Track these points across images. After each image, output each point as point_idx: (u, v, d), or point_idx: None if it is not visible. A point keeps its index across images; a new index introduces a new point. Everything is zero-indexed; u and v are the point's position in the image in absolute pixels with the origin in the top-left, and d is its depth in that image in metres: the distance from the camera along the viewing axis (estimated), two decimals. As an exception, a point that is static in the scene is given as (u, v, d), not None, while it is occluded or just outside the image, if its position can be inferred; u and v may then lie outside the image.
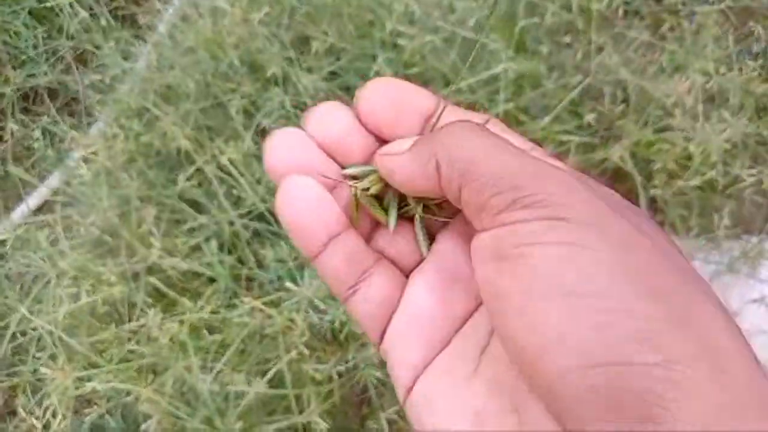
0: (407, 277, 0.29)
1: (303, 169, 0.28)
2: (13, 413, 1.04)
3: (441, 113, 0.28)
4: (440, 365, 0.26)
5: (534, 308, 0.21)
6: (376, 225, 0.30)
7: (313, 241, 0.28)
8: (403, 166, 0.26)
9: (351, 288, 0.28)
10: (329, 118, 0.29)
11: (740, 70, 0.79)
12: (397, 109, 0.28)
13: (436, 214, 0.29)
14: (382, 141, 0.29)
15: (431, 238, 0.29)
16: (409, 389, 0.27)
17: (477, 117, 0.28)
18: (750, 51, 0.86)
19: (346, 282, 0.28)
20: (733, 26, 0.86)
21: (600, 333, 0.20)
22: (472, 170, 0.24)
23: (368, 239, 0.29)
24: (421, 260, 0.29)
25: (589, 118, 0.77)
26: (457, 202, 0.25)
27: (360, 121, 0.29)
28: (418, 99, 0.29)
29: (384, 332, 0.28)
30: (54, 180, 1.12)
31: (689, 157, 0.76)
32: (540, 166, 0.23)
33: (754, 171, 0.76)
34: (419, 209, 0.29)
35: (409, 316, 0.28)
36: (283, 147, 0.28)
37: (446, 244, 0.29)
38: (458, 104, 0.30)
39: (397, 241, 0.29)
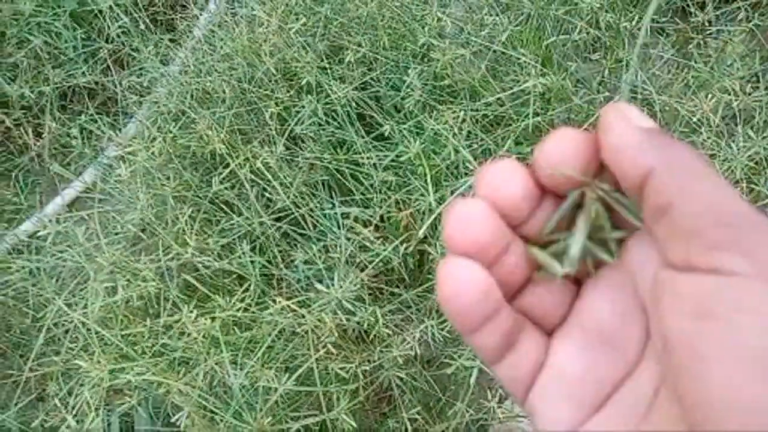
0: (550, 334, 0.29)
1: (478, 242, 0.27)
2: (43, 400, 1.08)
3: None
4: (598, 424, 0.26)
5: (738, 382, 0.20)
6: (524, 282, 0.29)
7: (468, 322, 0.27)
8: (631, 142, 0.24)
9: (499, 357, 0.28)
10: (504, 179, 0.28)
11: (766, 89, 0.80)
12: (577, 164, 0.27)
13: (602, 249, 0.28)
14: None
15: (576, 290, 0.29)
16: None
17: None
18: (775, 70, 0.87)
19: (496, 353, 0.28)
20: (760, 44, 0.87)
21: None
22: (696, 188, 0.22)
23: (516, 296, 0.29)
24: (564, 319, 0.29)
25: (615, 132, 0.78)
26: (654, 210, 0.23)
27: (535, 179, 0.28)
28: (590, 146, 0.27)
29: (527, 392, 0.28)
30: (89, 175, 1.16)
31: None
32: (758, 214, 0.22)
33: (776, 189, 0.77)
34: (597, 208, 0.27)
35: (558, 378, 0.27)
36: (461, 217, 0.27)
37: (594, 299, 0.28)
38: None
39: (544, 298, 0.29)
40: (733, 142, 0.74)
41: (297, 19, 0.90)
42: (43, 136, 1.19)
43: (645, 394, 0.25)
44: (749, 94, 0.75)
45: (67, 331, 0.93)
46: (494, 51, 0.83)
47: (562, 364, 0.27)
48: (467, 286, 0.27)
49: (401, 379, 0.75)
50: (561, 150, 0.27)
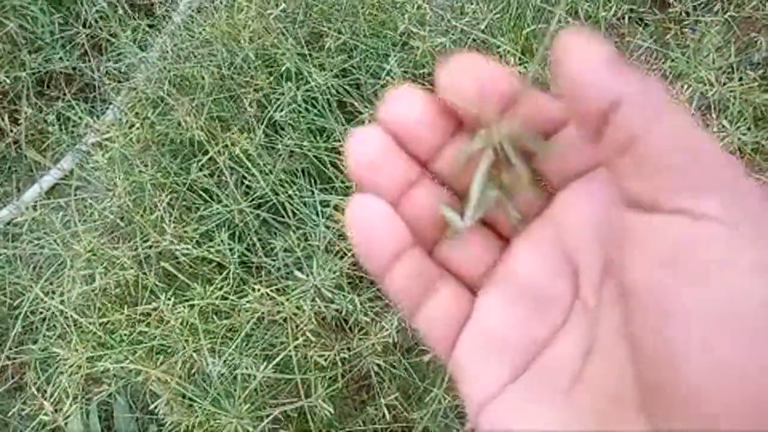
0: (473, 291, 0.27)
1: (380, 173, 0.26)
2: (20, 389, 1.07)
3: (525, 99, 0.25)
4: (522, 388, 0.25)
5: (712, 342, 0.18)
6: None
7: (377, 263, 0.27)
8: (595, 71, 0.21)
9: (416, 305, 0.27)
10: (404, 105, 0.26)
11: (740, 79, 0.81)
12: (479, 90, 0.25)
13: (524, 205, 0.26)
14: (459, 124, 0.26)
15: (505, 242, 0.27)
16: (482, 406, 0.25)
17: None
18: (751, 61, 0.88)
19: (411, 300, 0.27)
20: (735, 36, 0.88)
21: None
22: (667, 122, 0.20)
23: (431, 250, 0.28)
24: (490, 270, 0.27)
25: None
26: (617, 144, 0.21)
27: (438, 102, 0.26)
28: (497, 76, 0.25)
29: (452, 348, 0.27)
30: (67, 162, 1.15)
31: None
32: (731, 156, 0.20)
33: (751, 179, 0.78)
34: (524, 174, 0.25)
35: (483, 335, 0.26)
36: (361, 149, 0.26)
37: (524, 254, 0.26)
38: None
39: (465, 252, 0.27)
40: (708, 131, 0.75)
41: (277, 5, 0.90)
42: (20, 122, 1.18)
43: (571, 359, 0.24)
44: (724, 85, 0.76)
45: (44, 319, 0.92)
46: (474, 39, 0.83)
47: (487, 319, 0.26)
48: (370, 219, 0.26)
49: (380, 366, 0.75)
50: (466, 76, 0.25)
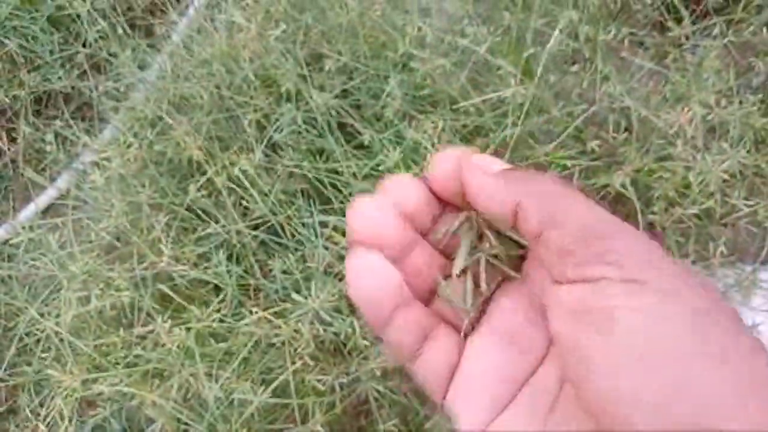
0: (465, 336, 0.30)
1: (382, 236, 0.29)
2: (14, 412, 1.05)
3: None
4: (507, 420, 0.28)
5: (617, 370, 0.22)
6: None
7: (378, 316, 0.29)
8: (488, 187, 0.27)
9: (414, 354, 0.30)
10: (404, 188, 0.30)
11: (740, 103, 0.82)
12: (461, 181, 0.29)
13: (501, 267, 0.30)
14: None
15: (488, 299, 0.31)
16: None
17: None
18: (750, 85, 0.88)
19: (409, 349, 0.30)
20: (734, 60, 0.89)
21: (678, 395, 0.21)
22: (561, 213, 0.25)
23: (428, 302, 0.31)
24: (477, 321, 0.30)
25: (593, 144, 0.79)
26: (530, 236, 0.26)
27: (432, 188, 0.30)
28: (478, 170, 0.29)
29: (446, 392, 0.30)
30: (63, 182, 1.14)
31: (688, 186, 0.78)
32: (624, 224, 0.25)
33: (750, 202, 0.78)
34: (484, 256, 0.30)
35: (472, 377, 0.29)
36: (365, 213, 0.29)
37: (504, 306, 0.30)
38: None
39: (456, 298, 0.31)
40: (709, 155, 0.75)
41: (277, 25, 0.90)
42: (18, 141, 1.17)
43: (549, 391, 0.27)
44: (724, 108, 0.76)
45: (38, 341, 0.91)
46: (474, 62, 0.84)
47: (472, 363, 0.29)
48: (374, 273, 0.28)
49: (379, 391, 0.74)
50: (448, 169, 0.29)
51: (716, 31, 0.83)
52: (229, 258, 0.86)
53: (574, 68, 0.82)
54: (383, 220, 0.29)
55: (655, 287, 0.23)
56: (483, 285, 0.30)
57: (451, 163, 0.29)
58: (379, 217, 0.29)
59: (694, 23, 0.85)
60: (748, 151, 0.80)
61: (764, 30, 0.84)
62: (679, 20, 0.85)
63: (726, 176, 0.77)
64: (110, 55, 1.10)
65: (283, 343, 0.72)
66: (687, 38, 0.84)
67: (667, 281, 0.23)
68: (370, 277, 0.29)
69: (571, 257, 0.24)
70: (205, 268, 0.84)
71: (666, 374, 0.21)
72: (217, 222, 0.87)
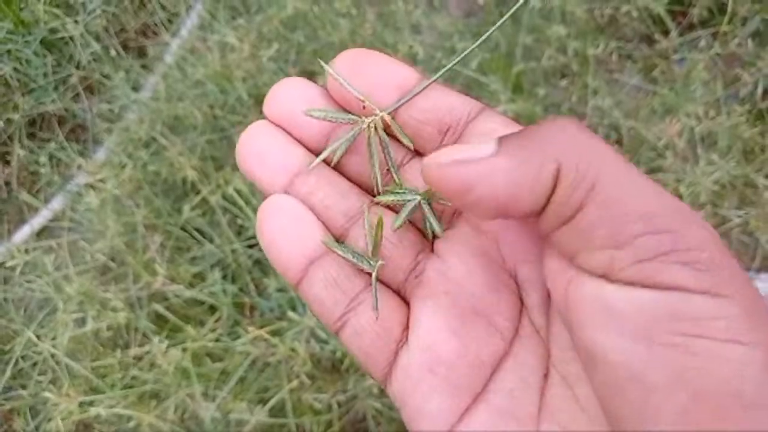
0: (406, 299, 0.25)
1: (269, 163, 0.25)
2: (10, 436, 1.04)
3: (423, 88, 0.25)
4: (484, 418, 0.22)
5: (702, 418, 0.17)
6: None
7: (291, 267, 0.24)
8: (497, 173, 0.20)
9: (339, 319, 0.24)
10: (292, 96, 0.26)
11: (728, 114, 0.82)
12: (370, 82, 0.26)
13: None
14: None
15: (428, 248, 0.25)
16: None
17: (469, 100, 0.25)
18: (737, 96, 0.89)
19: (333, 312, 0.24)
20: (721, 72, 0.90)
21: None
22: (608, 193, 0.19)
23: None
24: (422, 275, 0.24)
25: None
26: (560, 221, 0.20)
27: (330, 94, 0.26)
28: (393, 71, 0.26)
29: (389, 371, 0.24)
30: (58, 203, 1.14)
31: (679, 198, 0.79)
32: (684, 207, 0.19)
33: (741, 212, 0.79)
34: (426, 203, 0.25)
35: (425, 357, 0.23)
36: (251, 144, 0.26)
37: (457, 265, 0.24)
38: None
39: (394, 247, 0.25)
40: (698, 166, 0.75)
41: (270, 45, 0.90)
42: (11, 164, 1.17)
43: (532, 378, 0.22)
44: (712, 119, 0.77)
45: (35, 364, 0.91)
46: (465, 77, 0.84)
47: (430, 340, 0.23)
48: (282, 220, 0.25)
49: (376, 409, 0.74)
50: (354, 69, 0.25)
51: (702, 43, 0.84)
52: (224, 277, 0.86)
53: (564, 83, 0.83)
54: (270, 146, 0.26)
55: (739, 306, 0.17)
56: (431, 219, 0.25)
57: (354, 65, 0.26)
58: (266, 144, 0.26)
59: (681, 35, 0.86)
60: (737, 162, 0.81)
61: (749, 42, 0.85)
62: (666, 32, 0.86)
63: (716, 187, 0.77)
64: (103, 76, 1.11)
65: (279, 362, 0.72)
66: (674, 51, 0.85)
67: (748, 298, 0.18)
68: (280, 226, 0.24)
69: (628, 251, 0.18)
70: (201, 286, 0.84)
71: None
72: (212, 241, 0.87)
